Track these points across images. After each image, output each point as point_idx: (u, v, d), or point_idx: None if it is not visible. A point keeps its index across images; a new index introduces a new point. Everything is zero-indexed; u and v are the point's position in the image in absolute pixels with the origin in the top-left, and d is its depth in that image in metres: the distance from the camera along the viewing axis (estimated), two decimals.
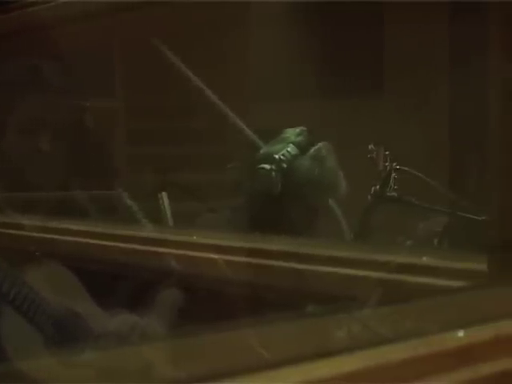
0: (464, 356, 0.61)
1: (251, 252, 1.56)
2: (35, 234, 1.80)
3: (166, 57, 2.89)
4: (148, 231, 1.90)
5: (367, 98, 4.24)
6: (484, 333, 0.64)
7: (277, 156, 2.27)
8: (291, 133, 2.34)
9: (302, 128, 2.36)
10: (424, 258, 1.22)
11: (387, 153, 2.65)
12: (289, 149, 2.28)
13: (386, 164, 2.63)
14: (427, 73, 4.13)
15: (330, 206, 2.37)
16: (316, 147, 2.29)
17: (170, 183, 3.13)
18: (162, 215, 2.77)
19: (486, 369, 0.61)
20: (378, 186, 2.62)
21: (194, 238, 1.63)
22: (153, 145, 4.15)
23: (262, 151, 2.36)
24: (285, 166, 2.26)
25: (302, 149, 2.29)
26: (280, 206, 2.28)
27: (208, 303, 1.51)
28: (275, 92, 4.27)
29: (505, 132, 0.99)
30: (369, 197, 2.63)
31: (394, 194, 2.61)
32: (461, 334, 0.64)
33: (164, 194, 2.82)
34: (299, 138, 2.31)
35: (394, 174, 2.62)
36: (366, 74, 4.36)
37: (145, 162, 4.00)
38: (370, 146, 2.65)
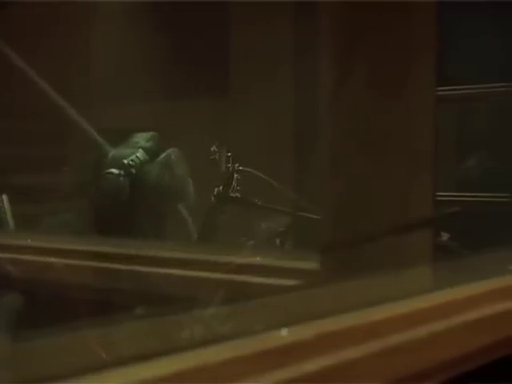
0: (287, 354, 0.62)
1: (93, 255, 1.55)
2: None
3: (6, 56, 2.82)
4: None
5: (212, 99, 4.26)
6: (307, 331, 0.65)
7: (126, 161, 2.25)
8: (141, 137, 2.33)
9: (152, 133, 2.35)
10: (258, 258, 1.24)
11: (229, 154, 2.67)
12: (138, 154, 2.27)
13: (229, 165, 2.66)
14: (273, 74, 4.19)
15: (178, 210, 2.38)
16: (165, 153, 2.29)
17: (10, 185, 3.05)
18: (2, 218, 2.69)
19: (308, 367, 0.62)
20: (220, 187, 2.64)
21: (29, 241, 1.59)
22: None
23: (110, 155, 2.33)
24: (133, 171, 2.25)
25: (152, 154, 2.29)
26: (127, 210, 2.26)
27: (47, 307, 1.48)
28: (120, 94, 4.23)
29: (333, 132, 1.01)
30: (212, 198, 2.64)
31: (237, 194, 2.64)
32: (284, 332, 0.65)
33: (4, 197, 2.74)
34: (149, 144, 2.31)
35: (236, 175, 2.65)
36: (212, 75, 4.37)
37: None
38: (212, 148, 2.67)
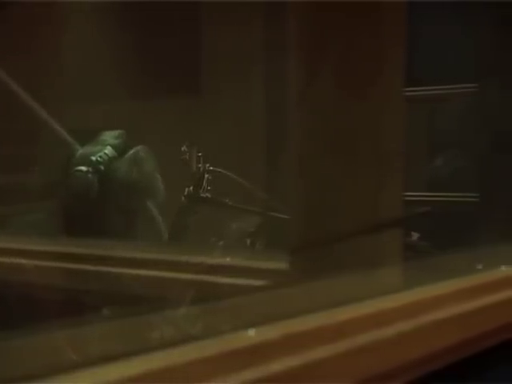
0: (254, 354, 0.62)
1: (62, 256, 1.54)
2: None
3: None
4: None
5: (183, 99, 4.25)
6: (274, 331, 0.65)
7: (94, 158, 2.25)
8: (109, 135, 2.32)
9: (120, 131, 2.35)
10: (228, 259, 1.24)
11: (200, 154, 2.67)
12: (106, 151, 2.27)
13: (200, 165, 2.65)
14: (244, 74, 4.19)
15: (148, 207, 2.37)
16: (134, 150, 2.29)
17: None
18: None
19: (276, 367, 0.62)
20: (191, 188, 2.64)
21: None
22: None
23: (78, 153, 2.33)
24: (102, 168, 2.24)
25: (120, 151, 2.29)
26: (97, 208, 2.25)
27: (16, 308, 1.47)
28: (90, 93, 4.21)
29: (302, 132, 1.01)
30: (183, 198, 2.64)
31: (208, 195, 2.64)
32: (252, 332, 0.65)
33: None
34: (117, 141, 2.30)
35: (207, 175, 2.65)
36: (183, 75, 4.36)
37: None
38: (183, 148, 2.66)
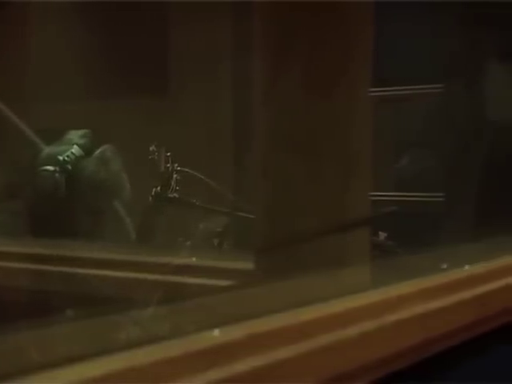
0: (218, 355, 0.62)
1: (28, 257, 1.53)
2: None
3: None
4: None
5: (150, 99, 4.24)
6: (239, 331, 0.66)
7: (61, 157, 2.23)
8: (75, 134, 2.31)
9: (85, 130, 2.33)
10: (194, 259, 1.24)
11: (168, 154, 2.66)
12: (73, 150, 2.26)
13: (168, 165, 2.65)
14: (211, 73, 4.18)
15: (115, 207, 2.36)
16: (101, 149, 2.28)
17: None
18: None
19: (240, 367, 0.62)
20: (159, 188, 2.63)
21: None
22: None
23: (44, 152, 2.31)
24: (69, 167, 2.23)
25: (87, 151, 2.27)
26: (64, 208, 2.24)
27: None
28: (56, 92, 4.18)
29: (267, 132, 1.01)
30: (150, 198, 2.63)
31: (176, 195, 2.63)
32: (216, 332, 0.65)
33: None
34: (83, 140, 2.29)
35: (175, 176, 2.64)
36: (150, 74, 4.35)
37: None
38: (151, 148, 2.65)
